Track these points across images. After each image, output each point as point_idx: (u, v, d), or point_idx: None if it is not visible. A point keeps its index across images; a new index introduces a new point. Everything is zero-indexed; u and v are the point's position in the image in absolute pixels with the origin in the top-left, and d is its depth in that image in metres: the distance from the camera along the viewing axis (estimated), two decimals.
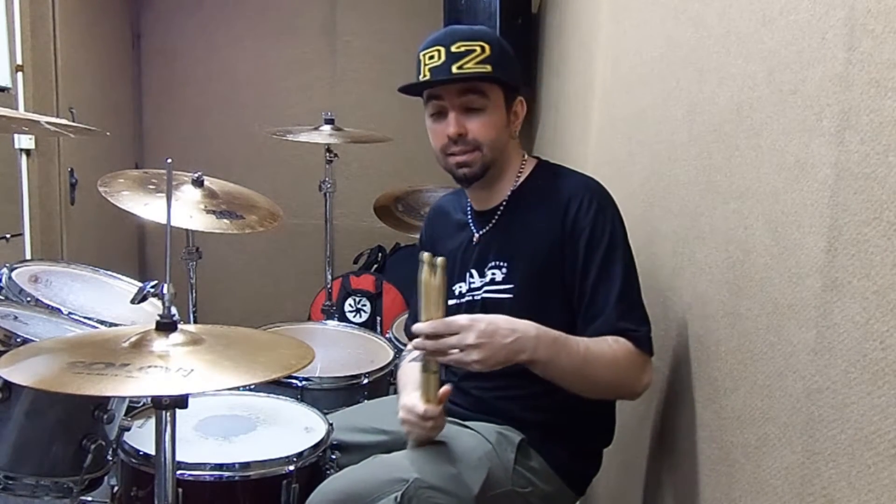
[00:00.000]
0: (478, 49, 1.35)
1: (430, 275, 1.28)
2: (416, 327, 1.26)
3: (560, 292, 1.38)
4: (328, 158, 2.82)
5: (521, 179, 1.47)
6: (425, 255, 1.29)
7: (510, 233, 1.44)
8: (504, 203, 1.47)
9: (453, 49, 1.34)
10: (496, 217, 1.47)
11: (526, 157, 1.50)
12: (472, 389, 1.48)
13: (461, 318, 1.24)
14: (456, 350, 1.23)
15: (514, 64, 1.44)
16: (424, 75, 1.38)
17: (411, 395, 1.36)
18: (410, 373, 1.47)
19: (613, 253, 1.34)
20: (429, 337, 1.25)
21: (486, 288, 1.44)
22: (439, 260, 1.28)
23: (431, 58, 1.36)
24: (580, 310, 1.36)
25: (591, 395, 1.36)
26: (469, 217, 1.53)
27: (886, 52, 0.68)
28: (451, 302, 1.49)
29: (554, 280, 1.38)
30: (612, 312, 1.32)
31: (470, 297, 1.47)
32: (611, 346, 1.30)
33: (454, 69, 1.34)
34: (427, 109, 1.43)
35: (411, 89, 1.42)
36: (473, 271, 1.47)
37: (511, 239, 1.43)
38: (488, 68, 1.35)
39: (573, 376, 1.30)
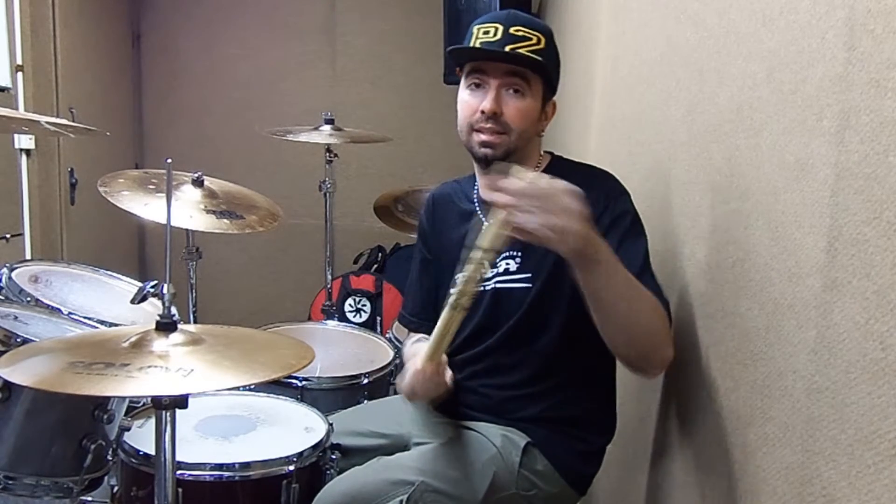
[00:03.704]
0: (534, 38, 1.35)
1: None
2: (508, 183, 1.06)
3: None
4: (328, 158, 2.82)
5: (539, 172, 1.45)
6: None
7: None
8: None
9: (512, 31, 1.34)
10: None
11: (543, 153, 1.50)
12: (479, 388, 1.47)
13: (560, 181, 1.07)
14: (534, 216, 1.04)
15: (558, 65, 1.43)
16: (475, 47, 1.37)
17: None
18: (419, 348, 1.45)
19: (635, 230, 1.33)
20: (515, 195, 1.05)
21: (497, 278, 1.42)
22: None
23: (486, 32, 1.35)
24: None
25: (627, 336, 1.20)
26: (476, 205, 1.50)
27: (886, 52, 0.68)
28: (453, 290, 1.48)
29: None
30: (639, 277, 1.21)
31: (480, 287, 1.43)
32: (649, 292, 1.21)
33: (507, 49, 1.33)
34: (465, 80, 1.40)
35: (461, 53, 1.40)
36: None
37: None
38: (540, 59, 1.35)
39: (622, 299, 1.15)
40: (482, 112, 1.35)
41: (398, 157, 3.95)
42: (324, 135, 2.76)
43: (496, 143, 1.37)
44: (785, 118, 0.90)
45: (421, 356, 1.28)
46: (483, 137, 1.37)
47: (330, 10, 4.01)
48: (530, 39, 1.34)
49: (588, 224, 1.07)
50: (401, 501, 1.27)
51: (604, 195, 1.35)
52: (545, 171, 1.45)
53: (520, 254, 1.40)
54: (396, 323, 2.55)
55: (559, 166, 1.47)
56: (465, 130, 1.40)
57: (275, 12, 4.02)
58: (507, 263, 1.41)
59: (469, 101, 1.39)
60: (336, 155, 2.85)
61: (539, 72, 1.37)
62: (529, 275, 1.39)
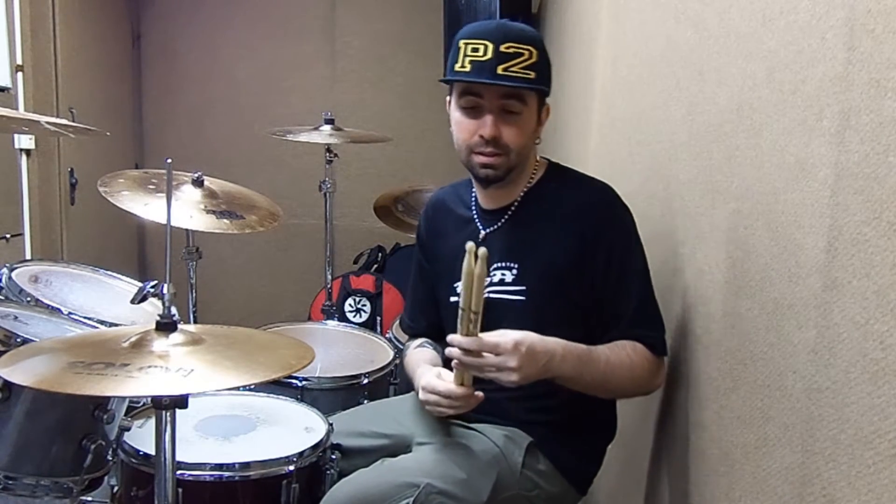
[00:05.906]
0: (526, 53, 1.30)
1: (472, 265, 1.22)
2: (456, 339, 1.23)
3: (575, 297, 1.37)
4: (328, 158, 2.82)
5: (534, 182, 1.45)
6: (469, 245, 1.22)
7: (521, 234, 1.42)
8: (515, 203, 1.44)
9: (502, 48, 1.28)
10: (506, 217, 1.44)
11: (538, 157, 1.48)
12: (478, 391, 1.47)
13: (506, 341, 1.22)
14: (492, 368, 1.23)
15: (550, 70, 1.40)
16: (464, 66, 1.31)
17: (429, 372, 1.37)
18: (419, 355, 1.50)
19: (632, 261, 1.36)
20: (468, 352, 1.23)
21: (492, 288, 1.41)
22: (482, 251, 1.21)
23: (476, 50, 1.29)
24: (599, 315, 1.36)
25: (607, 397, 1.44)
26: (474, 212, 1.50)
27: (886, 52, 0.68)
28: (452, 299, 1.49)
29: (570, 285, 1.37)
30: (630, 320, 1.34)
31: None
32: (629, 354, 1.32)
33: (500, 70, 1.28)
34: (458, 101, 1.36)
35: (453, 82, 1.37)
36: None
37: (522, 241, 1.41)
38: (532, 75, 1.31)
39: (595, 387, 1.34)
40: (481, 136, 1.34)
41: (398, 157, 3.95)
42: (324, 135, 2.76)
43: (497, 165, 1.37)
44: (785, 118, 0.90)
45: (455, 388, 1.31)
46: (483, 160, 1.36)
47: (330, 10, 4.01)
48: (522, 55, 1.29)
49: (534, 357, 1.23)
50: None
51: (595, 216, 1.36)
52: (540, 180, 1.45)
53: (516, 266, 1.40)
54: (396, 323, 2.56)
55: (554, 176, 1.47)
56: (465, 152, 1.39)
57: (275, 12, 4.01)
58: (503, 274, 1.41)
59: (465, 123, 1.36)
60: (336, 155, 2.85)
61: (534, 87, 1.35)
62: (524, 287, 1.39)
